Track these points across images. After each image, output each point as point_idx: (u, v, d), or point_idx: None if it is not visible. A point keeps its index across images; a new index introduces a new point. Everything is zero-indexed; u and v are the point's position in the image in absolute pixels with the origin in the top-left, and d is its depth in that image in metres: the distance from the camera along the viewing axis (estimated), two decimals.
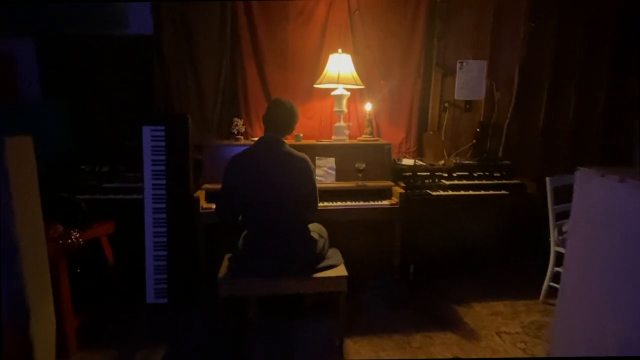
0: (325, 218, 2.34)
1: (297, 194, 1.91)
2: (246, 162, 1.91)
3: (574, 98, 3.16)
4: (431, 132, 3.14)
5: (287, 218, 1.92)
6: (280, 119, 1.96)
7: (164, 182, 2.42)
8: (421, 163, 2.93)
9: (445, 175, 2.85)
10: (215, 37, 2.91)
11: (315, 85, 2.80)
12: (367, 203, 2.45)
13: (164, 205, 2.43)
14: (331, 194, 2.50)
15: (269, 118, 1.99)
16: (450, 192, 2.73)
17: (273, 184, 1.87)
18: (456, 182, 2.81)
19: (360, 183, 2.55)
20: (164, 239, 2.45)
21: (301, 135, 2.74)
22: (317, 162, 2.59)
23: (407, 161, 2.91)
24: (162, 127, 2.40)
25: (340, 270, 2.00)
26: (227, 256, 2.14)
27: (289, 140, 2.74)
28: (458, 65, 3.07)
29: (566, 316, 1.29)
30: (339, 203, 2.45)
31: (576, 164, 3.03)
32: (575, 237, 1.25)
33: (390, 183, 2.61)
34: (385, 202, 2.46)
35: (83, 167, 2.71)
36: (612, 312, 1.10)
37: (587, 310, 1.20)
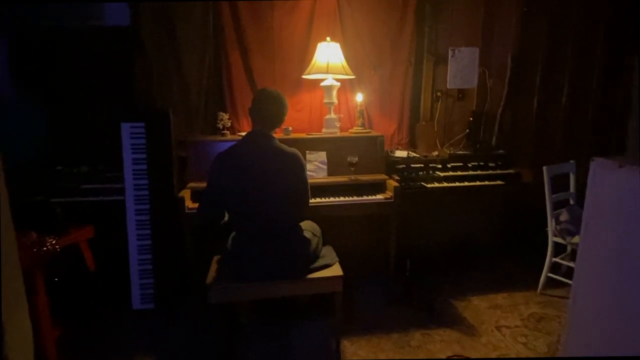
0: (318, 215, 2.25)
1: (288, 191, 1.81)
2: (233, 160, 1.79)
3: (567, 85, 3.11)
4: (424, 123, 3.06)
5: (278, 217, 1.82)
6: (268, 111, 1.85)
7: (146, 181, 2.29)
8: (415, 155, 2.84)
9: (440, 166, 2.78)
10: (196, 26, 2.76)
11: (304, 76, 2.68)
12: (360, 198, 2.36)
13: (147, 206, 2.30)
14: (323, 190, 2.40)
15: (256, 111, 1.87)
16: (445, 184, 2.66)
17: (262, 182, 1.76)
18: (451, 173, 2.74)
19: (353, 177, 2.46)
20: (149, 242, 2.32)
21: (290, 128, 2.62)
22: (308, 156, 2.49)
23: (401, 153, 2.83)
24: (142, 124, 2.26)
25: (335, 270, 1.91)
26: (215, 258, 2.03)
27: (277, 135, 2.67)
28: (450, 52, 2.98)
29: (581, 313, 1.23)
30: (331, 199, 2.35)
31: (570, 153, 3.06)
32: (590, 230, 1.18)
33: (384, 176, 2.52)
34: (380, 197, 2.38)
35: (59, 167, 2.55)
36: (631, 308, 1.03)
37: (603, 306, 1.14)
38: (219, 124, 2.55)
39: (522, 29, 3.01)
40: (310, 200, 2.23)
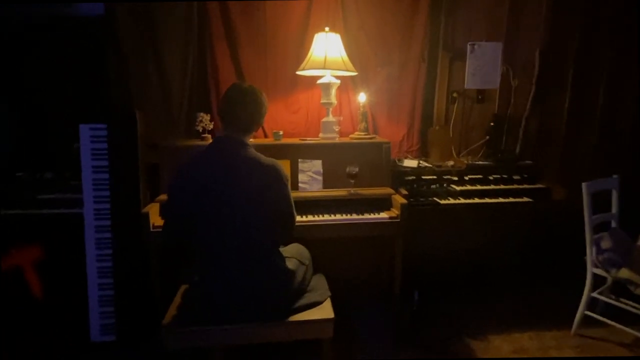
0: (309, 235, 1.88)
1: (265, 211, 1.44)
2: (196, 172, 1.44)
3: (605, 85, 2.68)
4: (437, 127, 2.67)
5: (251, 243, 1.45)
6: (241, 112, 1.49)
7: (107, 193, 1.95)
8: (426, 164, 2.46)
9: (456, 179, 2.38)
10: (179, 17, 2.44)
11: (298, 72, 2.32)
12: (361, 216, 1.98)
13: (108, 222, 1.96)
14: (317, 205, 2.03)
15: (226, 111, 1.51)
16: (461, 200, 2.26)
17: (231, 200, 1.40)
18: (468, 187, 2.34)
19: (352, 191, 2.08)
20: (110, 264, 1.98)
21: (281, 133, 2.26)
22: (301, 165, 2.12)
23: (410, 162, 2.44)
24: (104, 125, 1.92)
25: (325, 310, 1.54)
26: (182, 288, 1.68)
27: (260, 140, 2.31)
28: (469, 48, 2.59)
29: None
30: (326, 217, 1.98)
31: (609, 165, 2.63)
32: None
33: (389, 190, 2.14)
34: (384, 215, 1.99)
35: (20, 174, 2.24)
36: None
37: None
38: (198, 126, 2.20)
39: (552, 21, 2.61)
40: (302, 218, 1.88)
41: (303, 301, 1.55)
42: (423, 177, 2.34)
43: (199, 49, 2.48)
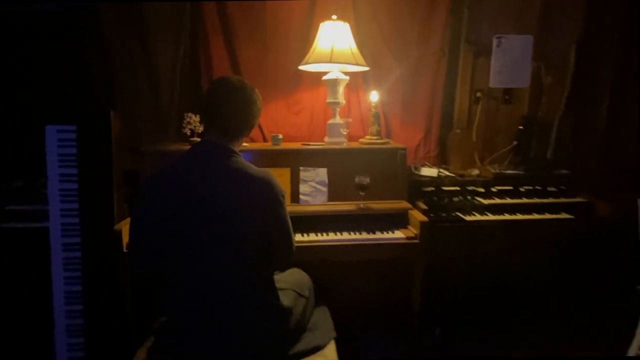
0: (310, 258, 1.59)
1: (254, 235, 1.14)
2: (168, 185, 1.15)
3: None
4: (458, 131, 2.36)
5: (235, 276, 1.15)
6: (227, 111, 1.20)
7: (76, 205, 1.68)
8: (447, 173, 2.15)
9: (481, 190, 2.07)
10: (170, 6, 2.18)
11: (301, 67, 2.03)
12: (372, 236, 1.68)
13: (77, 240, 1.69)
14: (321, 221, 1.74)
15: (208, 110, 1.23)
16: (489, 216, 1.95)
17: (210, 222, 1.11)
18: (497, 200, 2.03)
19: (362, 205, 1.78)
20: (79, 288, 1.70)
21: (280, 136, 1.97)
22: (302, 174, 1.83)
23: (428, 171, 2.14)
24: (73, 127, 1.65)
25: (328, 357, 1.24)
26: (159, 321, 1.39)
27: (257, 145, 2.03)
28: (495, 41, 2.28)
29: None
30: (331, 235, 1.68)
31: None
32: None
33: (405, 204, 1.83)
34: (400, 235, 1.69)
35: None
36: None
37: None
38: (185, 128, 1.92)
39: (591, 11, 2.29)
40: (302, 237, 1.59)
41: (301, 346, 1.25)
42: (444, 188, 2.04)
43: (192, 42, 2.21)
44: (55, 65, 2.03)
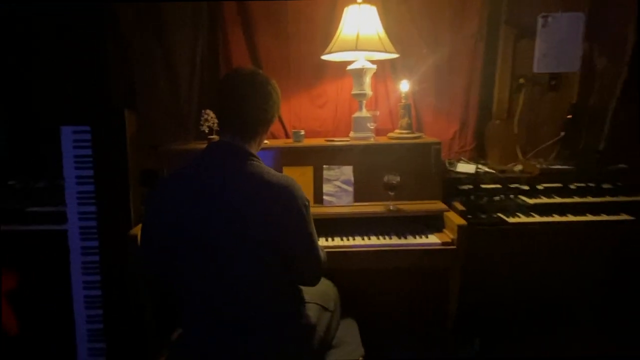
0: (335, 265, 1.46)
1: (272, 245, 1.02)
2: (178, 190, 1.05)
3: None
4: (497, 122, 2.16)
5: (253, 290, 1.04)
6: (240, 107, 1.08)
7: (94, 209, 1.62)
8: (486, 169, 1.95)
9: (526, 188, 1.86)
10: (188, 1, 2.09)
11: (324, 57, 1.89)
12: (404, 241, 1.53)
13: (96, 243, 1.64)
14: (346, 225, 1.61)
15: (220, 107, 1.11)
16: (535, 217, 1.75)
17: (223, 234, 1.00)
18: (544, 200, 1.82)
19: (392, 206, 1.63)
20: (98, 292, 1.66)
21: (303, 132, 1.84)
22: (326, 173, 1.70)
23: (465, 167, 1.95)
24: (87, 127, 1.59)
25: None
26: (176, 333, 1.31)
27: (276, 142, 1.86)
28: (540, 21, 2.05)
29: None
30: (357, 240, 1.55)
31: None
32: None
33: (440, 205, 1.66)
34: (435, 240, 1.53)
35: (12, 182, 1.97)
36: None
37: None
38: (203, 125, 1.83)
39: None
40: (326, 242, 1.49)
41: None
42: (482, 186, 1.85)
43: (211, 36, 2.12)
44: (72, 65, 1.99)
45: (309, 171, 1.70)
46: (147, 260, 1.11)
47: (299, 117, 2.14)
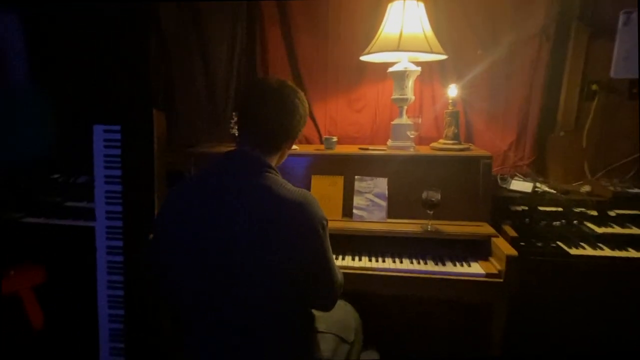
0: (361, 287, 1.32)
1: (284, 266, 0.90)
2: (188, 202, 0.96)
3: None
4: (563, 133, 1.89)
5: (261, 315, 0.93)
6: (262, 117, 0.98)
7: (120, 209, 1.61)
8: (545, 189, 1.70)
9: (594, 214, 1.59)
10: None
11: (363, 57, 1.74)
12: (441, 268, 1.35)
13: (121, 243, 1.63)
14: (376, 244, 1.45)
15: (242, 117, 1.02)
16: (605, 251, 1.47)
17: (230, 252, 0.90)
18: (616, 229, 1.53)
19: (430, 226, 1.45)
20: (121, 292, 1.65)
21: (335, 139, 1.70)
22: (358, 184, 1.55)
23: (520, 184, 1.71)
24: (118, 127, 1.58)
25: None
26: None
27: (306, 148, 1.65)
28: (622, 18, 1.75)
29: None
30: (388, 262, 1.39)
31: None
32: None
33: (488, 229, 1.45)
34: (478, 270, 1.33)
35: (56, 176, 2.05)
36: None
37: None
38: (233, 128, 1.76)
39: None
40: (351, 262, 1.36)
41: None
42: (540, 208, 1.60)
43: (248, 33, 2.06)
44: (113, 63, 2.02)
45: (339, 181, 1.57)
46: (148, 270, 1.04)
47: (335, 121, 2.01)
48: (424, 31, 1.55)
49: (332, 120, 2.01)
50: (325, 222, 0.93)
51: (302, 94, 1.04)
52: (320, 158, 1.61)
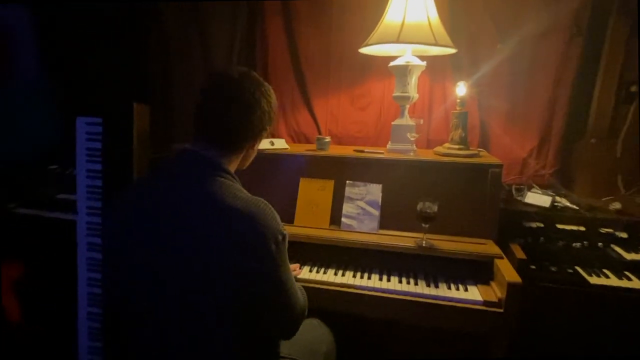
0: (341, 307, 1.18)
1: (233, 296, 0.78)
2: (129, 210, 0.85)
3: None
4: (593, 141, 1.66)
5: (209, 342, 0.81)
6: (216, 116, 0.87)
7: (100, 204, 1.55)
8: (567, 203, 1.49)
9: (624, 236, 1.36)
10: None
11: (362, 50, 1.58)
12: (433, 291, 1.18)
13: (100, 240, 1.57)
14: (364, 257, 1.30)
15: (196, 112, 0.90)
16: (633, 281, 1.26)
17: (173, 266, 0.79)
18: None
19: (425, 242, 1.28)
20: (99, 291, 1.59)
21: (328, 139, 1.55)
22: (349, 190, 1.40)
23: (538, 197, 1.51)
24: (99, 119, 1.51)
25: None
26: None
27: (297, 148, 1.48)
28: None
29: None
30: (374, 280, 1.24)
31: None
32: None
33: (492, 248, 1.27)
34: (476, 295, 1.16)
35: (54, 167, 2.03)
36: None
37: None
38: None
39: None
40: (334, 277, 1.21)
41: None
42: (558, 226, 1.39)
43: (249, 25, 1.95)
44: (112, 59, 1.97)
45: (329, 185, 1.43)
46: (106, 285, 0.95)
47: (337, 118, 1.87)
48: (429, 20, 1.37)
49: (333, 118, 1.87)
50: (280, 237, 0.80)
51: (267, 86, 0.91)
52: (310, 159, 1.47)
